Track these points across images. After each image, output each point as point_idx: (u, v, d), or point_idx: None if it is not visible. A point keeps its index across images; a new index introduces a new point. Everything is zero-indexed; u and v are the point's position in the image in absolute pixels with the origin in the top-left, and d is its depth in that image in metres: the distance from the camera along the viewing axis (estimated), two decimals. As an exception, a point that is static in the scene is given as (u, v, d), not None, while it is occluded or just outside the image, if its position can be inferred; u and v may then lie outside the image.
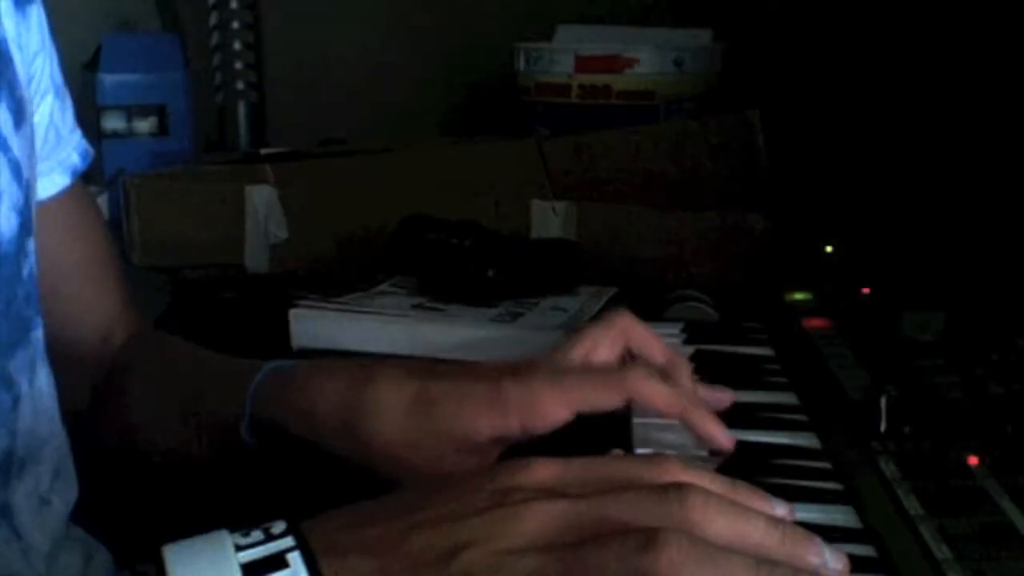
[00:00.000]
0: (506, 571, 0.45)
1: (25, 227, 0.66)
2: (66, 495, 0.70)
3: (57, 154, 0.78)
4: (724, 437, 0.63)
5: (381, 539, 0.47)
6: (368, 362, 0.69)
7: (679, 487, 0.48)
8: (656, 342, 0.69)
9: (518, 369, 0.66)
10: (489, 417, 0.63)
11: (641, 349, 0.69)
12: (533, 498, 0.47)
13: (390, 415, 0.64)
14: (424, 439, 0.63)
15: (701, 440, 0.63)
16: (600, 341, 0.68)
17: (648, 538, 0.45)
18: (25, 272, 0.66)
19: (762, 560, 0.46)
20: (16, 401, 0.65)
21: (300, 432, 0.67)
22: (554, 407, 0.62)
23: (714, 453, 0.64)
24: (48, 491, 0.67)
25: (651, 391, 0.62)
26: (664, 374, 0.65)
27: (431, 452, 0.64)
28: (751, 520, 0.48)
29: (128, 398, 0.78)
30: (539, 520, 0.46)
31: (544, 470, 0.49)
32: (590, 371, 0.66)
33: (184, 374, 0.77)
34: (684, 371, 0.68)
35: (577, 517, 0.47)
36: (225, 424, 0.70)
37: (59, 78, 0.77)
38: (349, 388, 0.65)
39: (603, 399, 0.63)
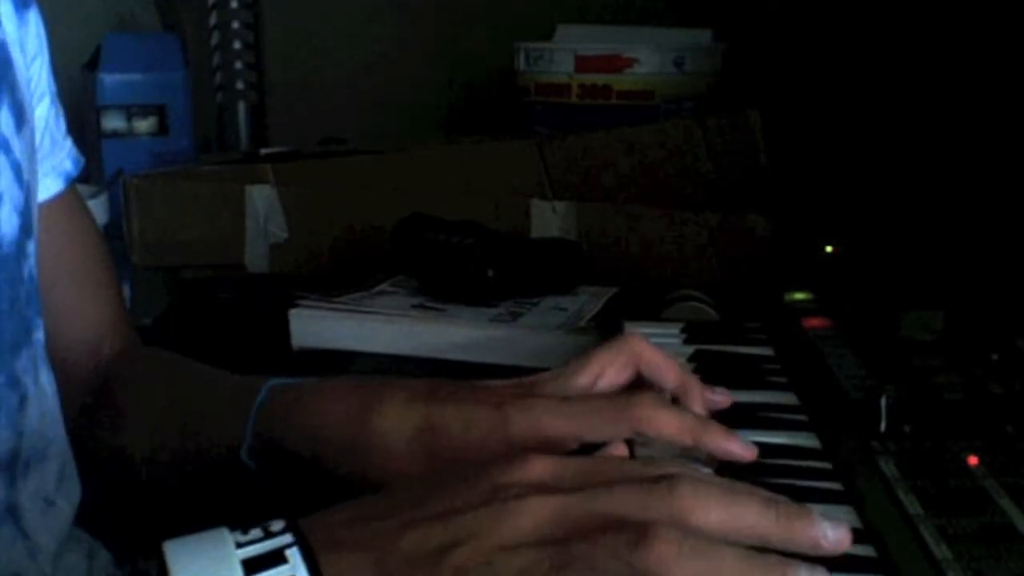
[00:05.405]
0: (499, 567, 0.46)
1: (25, 228, 0.66)
2: (71, 496, 0.70)
3: (52, 159, 0.78)
4: (743, 449, 0.61)
5: (378, 535, 0.47)
6: (374, 384, 0.68)
7: (670, 478, 0.48)
8: (667, 365, 0.67)
9: (523, 391, 0.65)
10: (493, 444, 0.62)
11: (652, 374, 0.67)
12: (527, 494, 0.48)
13: (396, 443, 0.64)
14: (428, 464, 0.63)
15: (721, 458, 0.61)
16: (608, 366, 0.67)
17: (639, 533, 0.45)
18: (25, 273, 0.66)
19: (753, 551, 0.46)
20: (23, 401, 0.65)
21: (304, 451, 0.67)
22: (559, 436, 0.61)
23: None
24: (54, 492, 0.68)
25: (660, 421, 0.61)
26: (675, 399, 0.65)
27: None
28: (744, 504, 0.48)
29: (121, 416, 0.77)
30: (533, 516, 0.47)
31: (539, 466, 0.50)
32: (597, 400, 0.65)
33: (180, 394, 0.77)
34: (697, 396, 0.67)
35: (570, 512, 0.47)
36: (223, 445, 0.70)
37: (53, 85, 0.77)
38: (356, 414, 0.65)
39: (609, 430, 0.61)
